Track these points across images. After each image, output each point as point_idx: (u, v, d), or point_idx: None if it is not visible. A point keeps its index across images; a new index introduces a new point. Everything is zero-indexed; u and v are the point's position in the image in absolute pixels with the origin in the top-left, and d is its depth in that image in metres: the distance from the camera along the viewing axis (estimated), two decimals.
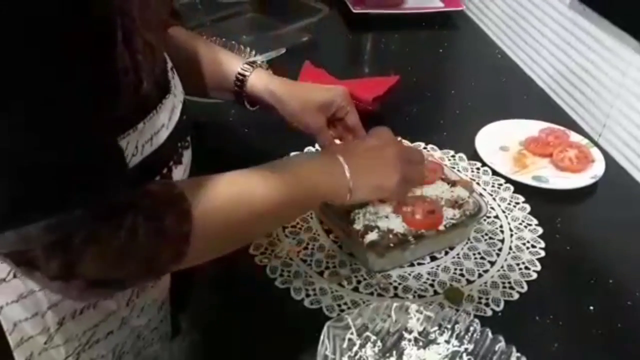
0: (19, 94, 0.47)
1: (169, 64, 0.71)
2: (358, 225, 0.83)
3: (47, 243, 0.50)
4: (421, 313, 0.73)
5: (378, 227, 0.82)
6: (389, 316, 0.73)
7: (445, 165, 0.97)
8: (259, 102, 0.90)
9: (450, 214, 0.86)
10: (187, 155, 0.72)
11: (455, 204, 0.87)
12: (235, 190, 0.65)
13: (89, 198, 0.51)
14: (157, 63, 0.62)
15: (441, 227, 0.84)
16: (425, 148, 1.12)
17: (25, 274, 0.55)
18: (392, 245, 0.81)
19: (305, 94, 0.89)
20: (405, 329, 0.73)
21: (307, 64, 1.27)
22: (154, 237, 0.55)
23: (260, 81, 0.88)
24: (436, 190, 0.89)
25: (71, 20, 0.47)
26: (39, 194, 0.49)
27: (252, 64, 0.90)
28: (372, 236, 0.81)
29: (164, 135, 0.64)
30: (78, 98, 0.49)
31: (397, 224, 0.83)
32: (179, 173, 0.69)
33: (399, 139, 0.93)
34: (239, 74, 0.88)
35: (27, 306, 0.62)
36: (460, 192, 0.89)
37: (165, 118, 0.65)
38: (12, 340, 0.62)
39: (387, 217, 0.83)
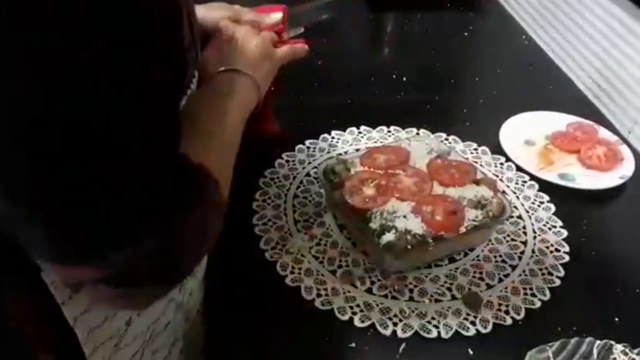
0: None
1: None
2: (374, 225, 0.78)
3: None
4: (626, 355, 0.70)
5: (395, 228, 0.78)
6: (591, 352, 0.70)
7: (476, 166, 0.92)
8: None
9: (472, 215, 0.81)
10: None
11: (478, 204, 0.83)
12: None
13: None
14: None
15: (462, 229, 0.80)
16: (447, 139, 1.07)
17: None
18: (409, 247, 0.77)
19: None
20: None
21: None
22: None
23: None
24: (460, 190, 0.84)
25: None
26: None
27: None
28: (388, 237, 0.77)
29: None
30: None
31: (415, 225, 0.78)
32: None
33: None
34: None
35: (97, 313, 0.59)
36: (483, 191, 0.84)
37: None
38: (86, 349, 0.59)
39: (405, 216, 0.79)
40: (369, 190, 0.82)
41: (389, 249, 0.76)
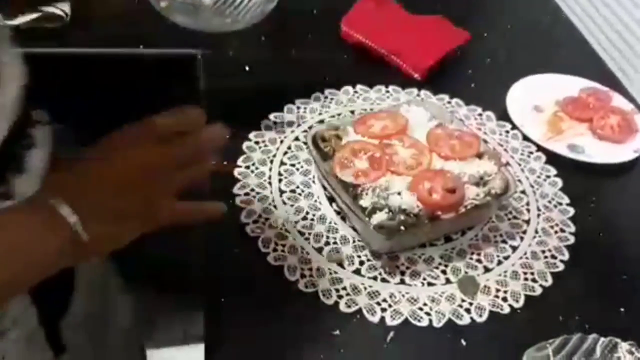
0: None
1: None
2: (365, 202, 0.71)
3: None
4: (632, 354, 0.64)
5: (388, 206, 0.71)
6: (593, 350, 0.65)
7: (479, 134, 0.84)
8: None
9: (472, 193, 0.74)
10: (35, 157, 0.57)
11: (480, 180, 0.76)
12: None
13: None
14: None
15: (461, 209, 0.73)
16: (449, 102, 1.00)
17: None
18: (403, 228, 0.70)
19: None
20: None
21: None
22: None
23: None
24: (462, 165, 0.77)
25: None
26: None
27: None
28: (380, 216, 0.70)
29: None
30: None
31: (410, 203, 0.71)
32: (24, 184, 0.54)
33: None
34: None
35: None
36: (486, 166, 0.76)
37: None
38: None
39: (399, 193, 0.72)
40: (362, 164, 0.75)
41: (380, 229, 0.70)
